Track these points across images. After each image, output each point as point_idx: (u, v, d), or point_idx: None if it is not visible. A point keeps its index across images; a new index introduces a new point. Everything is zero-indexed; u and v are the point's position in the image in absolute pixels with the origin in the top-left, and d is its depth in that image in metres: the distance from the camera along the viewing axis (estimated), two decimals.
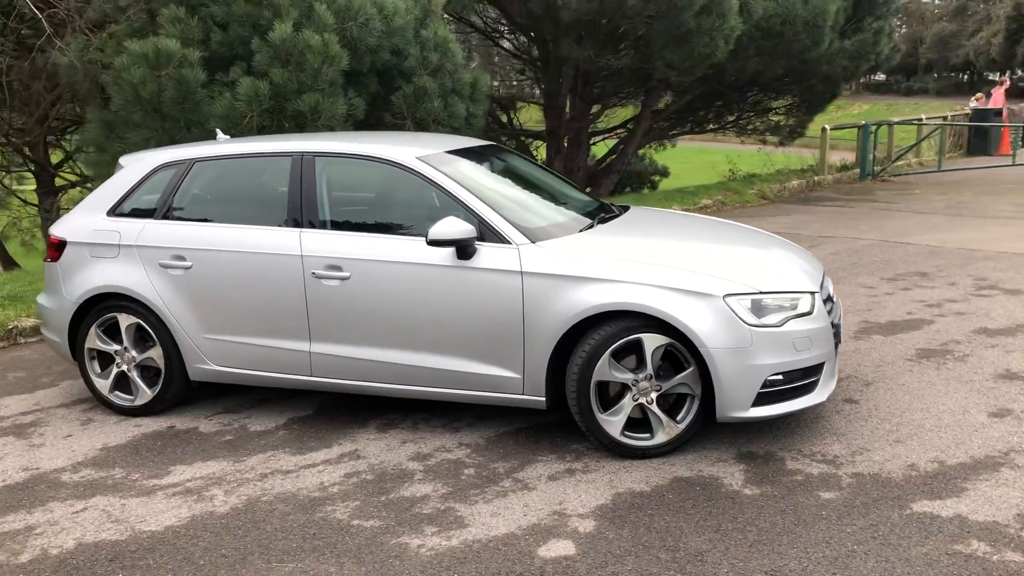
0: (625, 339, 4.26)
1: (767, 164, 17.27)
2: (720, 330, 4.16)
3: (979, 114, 19.93)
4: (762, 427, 4.63)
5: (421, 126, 10.65)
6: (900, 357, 5.74)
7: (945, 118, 20.01)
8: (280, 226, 4.87)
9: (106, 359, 5.28)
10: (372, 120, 10.79)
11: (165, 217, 5.11)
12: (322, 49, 9.49)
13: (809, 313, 4.35)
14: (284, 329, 4.81)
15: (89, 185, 14.17)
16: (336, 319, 4.70)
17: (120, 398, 5.24)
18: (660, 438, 4.34)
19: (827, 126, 15.77)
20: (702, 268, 4.37)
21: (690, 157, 24.27)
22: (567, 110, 15.94)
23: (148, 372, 5.21)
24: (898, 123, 18.01)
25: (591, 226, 4.86)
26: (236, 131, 9.16)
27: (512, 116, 17.19)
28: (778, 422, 4.66)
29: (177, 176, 5.15)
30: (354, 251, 4.66)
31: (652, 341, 4.26)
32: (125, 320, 5.11)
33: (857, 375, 5.38)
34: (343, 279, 4.65)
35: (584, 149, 17.76)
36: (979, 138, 19.68)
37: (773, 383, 4.24)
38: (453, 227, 4.39)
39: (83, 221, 5.29)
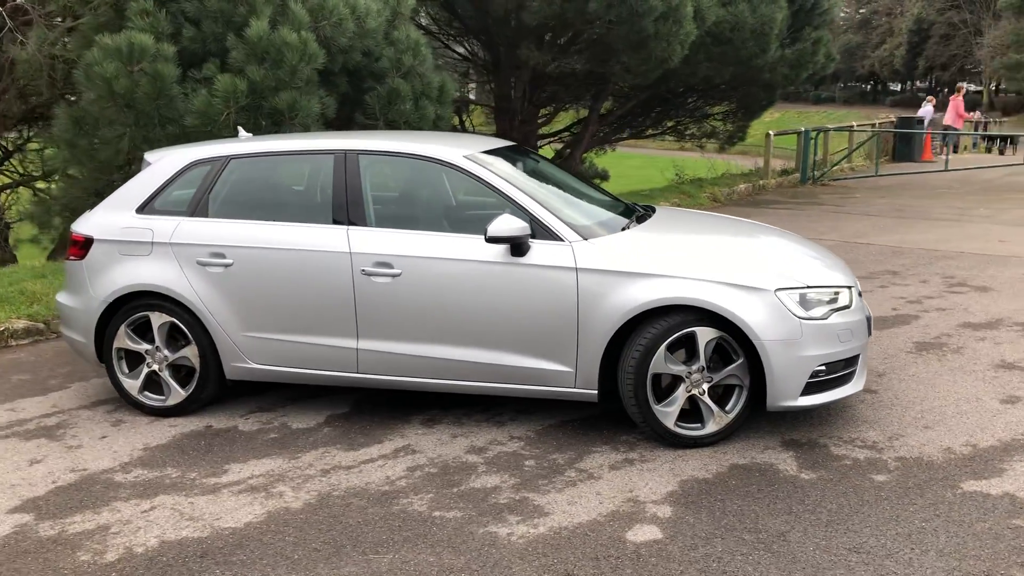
0: (680, 333, 4.42)
1: (711, 169, 17.75)
2: (772, 323, 4.35)
3: (904, 122, 20.85)
4: (799, 416, 4.84)
5: (392, 127, 10.69)
6: (901, 350, 6.05)
7: (874, 125, 20.87)
8: (325, 224, 4.87)
9: (134, 359, 5.19)
10: (342, 120, 10.78)
11: (200, 214, 5.06)
12: (300, 47, 9.45)
13: (849, 306, 4.59)
14: (330, 326, 4.82)
15: (35, 184, 13.72)
16: (385, 316, 4.74)
17: (150, 398, 5.16)
18: (711, 428, 4.51)
19: (771, 132, 16.29)
20: (749, 264, 4.56)
21: (626, 162, 24.72)
22: (519, 113, 16.11)
23: (179, 372, 5.15)
24: (835, 129, 18.71)
25: (630, 225, 5.00)
26: (213, 129, 9.06)
27: (464, 118, 17.27)
28: (812, 412, 4.88)
29: (212, 173, 5.11)
30: (405, 248, 4.71)
31: (705, 334, 4.43)
32: (158, 319, 5.04)
33: (869, 367, 5.66)
34: (394, 276, 4.69)
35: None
36: (904, 145, 20.58)
37: (818, 373, 4.45)
38: (510, 224, 4.48)
39: (110, 218, 5.19)
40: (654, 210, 5.53)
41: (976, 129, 28.58)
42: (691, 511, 3.87)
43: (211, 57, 9.74)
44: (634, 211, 5.38)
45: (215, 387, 5.12)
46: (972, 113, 33.01)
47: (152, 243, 5.04)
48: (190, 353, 5.05)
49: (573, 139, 18.00)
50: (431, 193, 5.12)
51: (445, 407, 5.16)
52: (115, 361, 5.17)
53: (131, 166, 9.65)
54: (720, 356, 4.51)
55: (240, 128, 5.94)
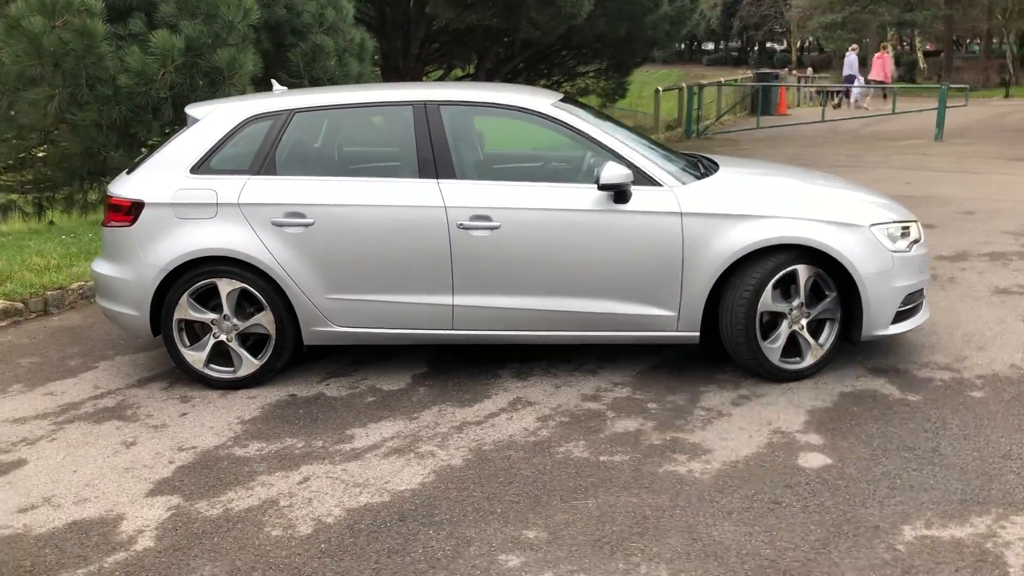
0: (784, 271, 4.60)
1: None
2: (869, 257, 4.61)
3: (761, 77, 21.98)
4: (870, 347, 5.13)
5: (316, 84, 10.36)
6: None
7: (736, 81, 21.87)
8: (412, 178, 4.72)
9: (194, 330, 4.87)
10: (264, 79, 10.32)
11: (268, 172, 4.78)
12: (234, 1, 8.98)
13: (920, 239, 4.91)
14: (424, 283, 4.70)
15: None
16: (484, 270, 4.66)
17: (217, 371, 4.87)
18: (809, 361, 4.74)
19: (660, 88, 16.79)
20: (838, 203, 4.79)
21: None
22: (408, 71, 15.86)
23: (244, 341, 4.87)
24: (714, 84, 19.49)
25: (709, 171, 5.10)
26: (150, 90, 8.52)
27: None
28: (877, 344, 5.13)
29: (275, 129, 4.82)
30: (503, 200, 4.64)
31: (805, 272, 4.64)
32: (227, 286, 4.75)
33: None
34: (493, 229, 4.62)
35: None
36: (761, 99, 21.71)
37: (905, 302, 4.76)
38: (619, 171, 4.51)
39: (160, 180, 4.81)
40: (709, 158, 5.62)
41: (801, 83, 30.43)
42: (838, 437, 4.08)
43: (134, 11, 9.09)
44: (696, 158, 5.49)
45: (289, 354, 4.88)
46: (806, 70, 35.16)
47: (217, 204, 4.72)
48: (264, 320, 4.78)
49: None
50: (516, 143, 5.05)
51: (524, 360, 5.15)
52: (175, 333, 4.82)
53: (56, 131, 8.90)
54: (813, 292, 4.72)
55: (275, 82, 5.59)
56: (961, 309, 5.86)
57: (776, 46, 70.17)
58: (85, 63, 8.43)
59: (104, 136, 8.77)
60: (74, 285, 6.58)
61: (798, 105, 26.77)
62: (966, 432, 4.09)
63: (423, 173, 4.71)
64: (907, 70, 43.72)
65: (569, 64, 19.49)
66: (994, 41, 45.03)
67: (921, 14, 39.15)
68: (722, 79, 22.19)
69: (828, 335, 4.77)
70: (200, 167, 4.80)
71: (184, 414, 4.57)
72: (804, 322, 4.70)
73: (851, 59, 24.47)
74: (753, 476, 3.74)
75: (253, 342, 4.88)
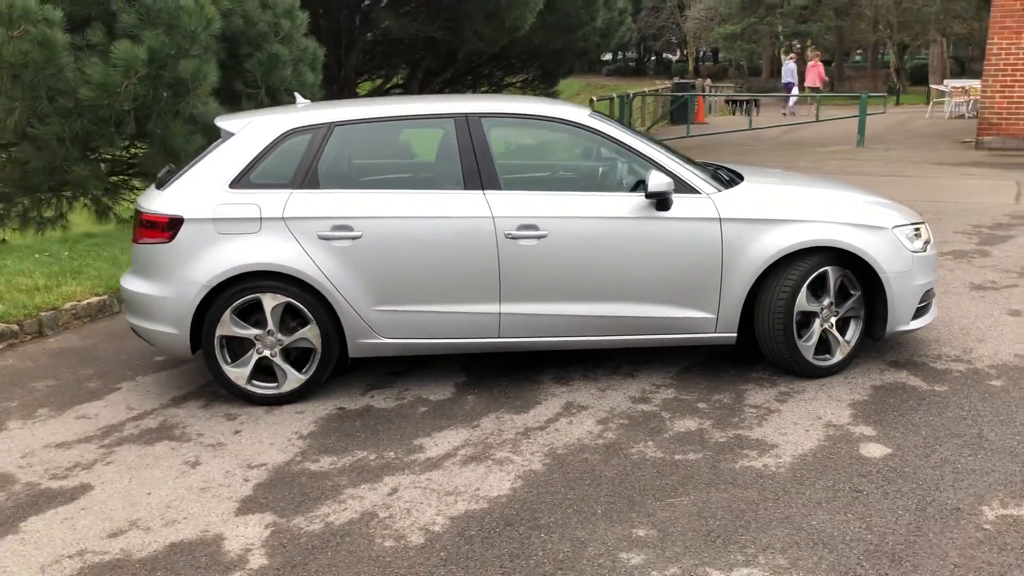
0: (817, 272, 4.84)
1: None
2: (892, 257, 4.90)
3: (679, 87, 22.62)
4: (878, 345, 5.41)
5: (273, 94, 10.29)
6: None
7: (657, 91, 22.44)
8: (457, 189, 4.78)
9: (236, 347, 4.82)
10: (221, 90, 10.19)
11: (311, 186, 4.77)
12: (197, 10, 8.87)
13: (930, 240, 5.23)
14: (471, 292, 4.76)
15: None
16: (531, 278, 4.75)
17: (260, 387, 4.83)
18: (838, 357, 5.00)
19: (594, 97, 17.12)
20: (862, 207, 5.07)
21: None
22: (344, 81, 15.77)
23: (287, 356, 4.84)
24: (649, 94, 19.96)
25: (735, 180, 5.29)
26: (112, 102, 8.34)
27: None
28: (885, 341, 5.37)
29: (316, 142, 4.82)
30: (549, 210, 4.75)
31: (834, 272, 4.90)
32: (271, 300, 4.71)
33: None
34: (540, 237, 4.72)
35: None
36: (680, 108, 22.35)
37: (921, 299, 5.07)
38: (663, 180, 4.67)
39: (199, 195, 4.74)
40: (728, 168, 5.76)
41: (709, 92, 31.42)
42: (887, 427, 4.33)
43: (93, 21, 8.87)
44: (715, 167, 5.68)
45: (332, 368, 4.88)
46: (706, 80, 36.33)
47: (260, 219, 4.68)
48: (310, 334, 4.76)
49: None
50: (555, 154, 5.16)
51: (561, 364, 5.26)
52: (217, 351, 4.76)
53: (16, 146, 8.57)
54: (840, 291, 4.98)
55: (298, 96, 5.56)
56: (949, 305, 6.23)
57: (672, 56, 71.95)
58: (45, 75, 8.20)
59: (66, 150, 8.51)
60: (67, 305, 6.37)
61: (710, 113, 27.65)
62: (1001, 418, 4.39)
63: (468, 184, 4.77)
64: (801, 79, 45.58)
65: (497, 75, 19.69)
66: (881, 52, 47.35)
67: (815, 26, 40.83)
68: (645, 89, 22.72)
69: (854, 332, 5.03)
70: (239, 181, 4.75)
71: (237, 432, 4.51)
72: (833, 320, 4.95)
73: (790, 67, 26.09)
74: (825, 467, 3.94)
75: (295, 357, 4.85)
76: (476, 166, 4.78)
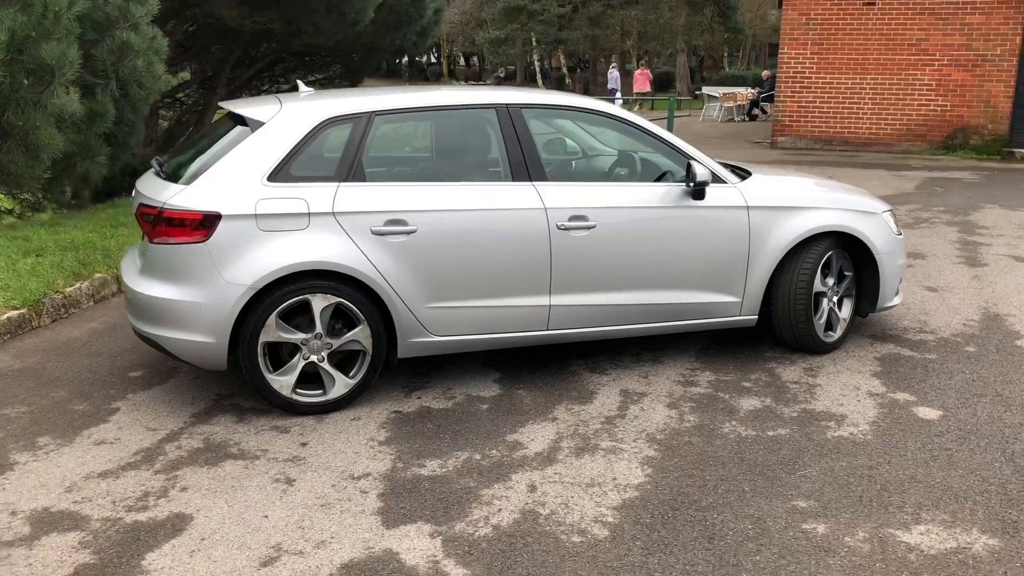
0: (826, 255, 5.23)
1: None
2: (884, 239, 5.38)
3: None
4: (858, 322, 5.90)
5: (123, 85, 9.56)
6: None
7: None
8: (505, 181, 4.71)
9: (276, 354, 4.47)
10: None
11: (357, 179, 4.50)
12: None
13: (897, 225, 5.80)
14: (522, 285, 4.70)
15: None
16: (580, 269, 4.77)
17: (305, 395, 4.50)
18: (839, 333, 5.43)
19: None
20: (855, 195, 5.52)
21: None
22: None
23: (331, 360, 4.57)
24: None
25: (746, 172, 5.50)
26: None
27: None
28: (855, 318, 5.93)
29: (357, 132, 4.55)
30: (597, 201, 4.79)
31: (838, 255, 5.31)
32: (321, 301, 4.41)
33: None
34: (589, 228, 4.76)
35: (155, 117, 16.50)
36: None
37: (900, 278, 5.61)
38: (704, 171, 4.86)
39: (235, 190, 4.34)
40: (733, 164, 5.96)
41: None
42: (919, 393, 4.77)
43: None
44: (720, 162, 5.85)
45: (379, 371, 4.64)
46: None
47: (309, 214, 4.37)
48: (361, 336, 4.50)
49: (204, 101, 16.80)
50: (589, 145, 5.17)
51: (583, 356, 5.30)
52: (261, 359, 4.38)
53: None
54: (838, 273, 5.40)
55: (300, 83, 5.18)
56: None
57: (423, 60, 72.60)
58: None
59: None
60: None
61: None
62: (1004, 379, 4.96)
63: (516, 176, 4.70)
64: (557, 84, 47.73)
65: (298, 73, 19.05)
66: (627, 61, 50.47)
67: (573, 33, 42.84)
68: None
69: (848, 310, 5.47)
70: (278, 174, 4.39)
71: (304, 443, 4.18)
72: (835, 299, 5.35)
73: (614, 75, 27.82)
74: (902, 431, 4.28)
75: (339, 361, 4.56)
76: (523, 157, 4.72)
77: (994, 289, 6.77)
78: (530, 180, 4.70)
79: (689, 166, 4.84)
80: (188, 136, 16.77)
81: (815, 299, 5.26)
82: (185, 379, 4.97)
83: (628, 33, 43.85)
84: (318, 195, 4.37)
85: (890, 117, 15.77)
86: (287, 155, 4.40)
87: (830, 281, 5.28)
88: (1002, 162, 14.93)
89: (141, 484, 3.78)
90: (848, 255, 5.36)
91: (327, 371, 4.47)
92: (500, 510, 3.55)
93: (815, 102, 16.13)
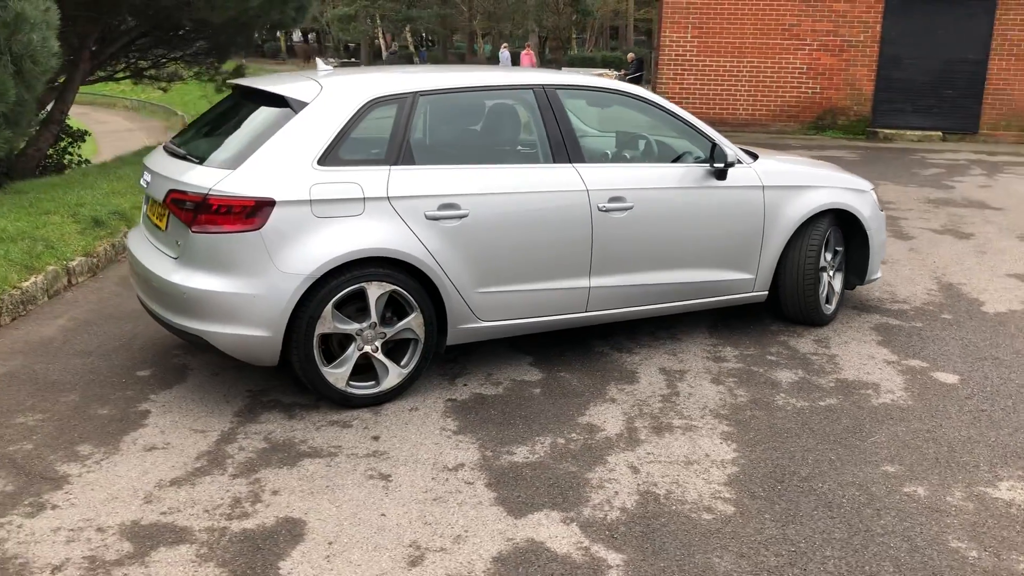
0: (827, 231, 5.50)
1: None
2: (873, 216, 5.71)
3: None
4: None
5: (18, 62, 8.93)
6: None
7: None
8: (547, 163, 4.69)
9: (329, 345, 4.31)
10: None
11: (407, 162, 4.36)
12: None
13: None
14: (565, 268, 4.71)
15: None
16: (618, 250, 4.82)
17: (359, 387, 4.35)
18: (834, 304, 5.72)
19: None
20: (845, 174, 5.81)
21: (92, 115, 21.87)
22: None
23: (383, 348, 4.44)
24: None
25: (752, 154, 5.65)
26: None
27: None
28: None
29: (402, 113, 4.41)
30: (634, 182, 4.84)
31: (835, 231, 5.59)
32: (377, 289, 4.26)
33: None
34: (627, 209, 4.81)
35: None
36: None
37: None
38: (730, 152, 5.01)
39: (286, 173, 4.12)
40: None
41: None
42: (928, 360, 5.10)
43: None
44: None
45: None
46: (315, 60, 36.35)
47: (364, 199, 4.21)
48: (414, 323, 4.38)
49: (64, 83, 15.64)
50: (623, 126, 5.20)
51: (603, 337, 5.36)
52: (316, 352, 4.21)
53: None
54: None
55: (318, 60, 4.93)
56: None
57: (257, 36, 70.05)
58: None
59: None
60: None
61: None
62: (993, 343, 5.37)
63: (557, 158, 4.69)
64: (407, 62, 47.24)
65: (162, 48, 18.05)
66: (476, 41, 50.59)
67: (424, 12, 42.53)
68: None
69: (840, 283, 5.76)
70: (327, 158, 4.20)
71: (376, 437, 4.04)
72: (832, 272, 5.63)
73: (504, 55, 27.95)
74: (936, 396, 4.57)
75: (389, 349, 4.43)
76: (562, 139, 4.70)
77: (934, 260, 7.29)
78: (570, 162, 4.68)
79: (715, 146, 4.96)
80: (50, 115, 15.61)
81: (820, 273, 5.50)
82: (203, 376, 4.69)
83: (477, 13, 43.93)
84: (372, 179, 4.21)
85: (765, 99, 16.56)
86: (335, 137, 4.21)
87: (828, 256, 5.54)
88: (867, 141, 15.98)
89: (225, 490, 3.56)
90: (839, 230, 5.62)
91: (381, 361, 4.32)
92: (617, 493, 3.56)
93: (696, 84, 16.72)
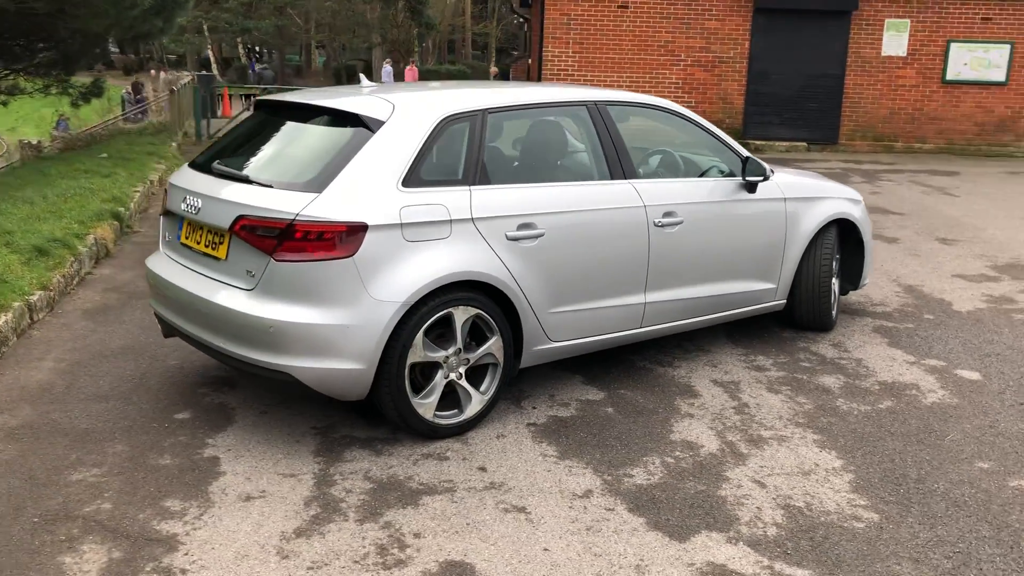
0: (836, 240, 5.75)
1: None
2: (866, 223, 6.01)
3: (204, 79, 21.51)
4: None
5: None
6: None
7: (186, 84, 20.99)
8: (605, 179, 4.68)
9: (418, 375, 4.13)
10: None
11: (483, 181, 4.23)
12: None
13: None
14: (624, 284, 4.69)
15: None
16: (670, 265, 4.84)
17: (445, 417, 4.18)
18: (835, 309, 5.97)
19: (175, 87, 15.61)
20: (841, 184, 6.08)
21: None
22: None
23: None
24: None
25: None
26: None
27: None
28: None
29: (474, 131, 4.27)
30: (683, 197, 4.88)
31: (837, 240, 5.86)
32: (463, 314, 4.11)
33: None
34: (678, 224, 4.86)
35: None
36: (207, 102, 21.30)
37: None
38: (764, 167, 5.16)
39: (374, 196, 3.90)
40: None
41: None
42: (942, 358, 5.41)
43: None
44: None
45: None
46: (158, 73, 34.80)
47: (451, 221, 4.06)
48: (495, 348, 4.25)
49: None
50: (663, 141, 5.22)
51: (635, 353, 5.36)
52: (407, 382, 4.01)
53: None
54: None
55: (362, 76, 4.68)
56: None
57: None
58: None
59: None
60: None
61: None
62: (985, 339, 5.76)
63: (614, 174, 4.67)
64: (239, 74, 45.65)
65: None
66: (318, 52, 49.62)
67: (262, 22, 41.33)
68: (184, 81, 21.03)
69: (838, 289, 6.03)
70: (410, 179, 4.01)
71: (482, 468, 3.89)
72: (834, 279, 5.89)
73: (387, 70, 27.74)
74: (974, 392, 4.85)
75: (469, 374, 4.28)
76: (617, 155, 4.69)
77: (880, 264, 7.72)
78: (625, 177, 4.68)
79: (747, 160, 5.08)
80: None
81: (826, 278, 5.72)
82: (252, 415, 4.37)
83: (318, 25, 43.07)
84: (455, 200, 4.05)
85: None
86: (415, 157, 4.02)
87: (834, 264, 5.78)
88: None
89: (361, 537, 3.32)
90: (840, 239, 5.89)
91: (464, 388, 4.16)
92: (760, 508, 3.57)
93: None
